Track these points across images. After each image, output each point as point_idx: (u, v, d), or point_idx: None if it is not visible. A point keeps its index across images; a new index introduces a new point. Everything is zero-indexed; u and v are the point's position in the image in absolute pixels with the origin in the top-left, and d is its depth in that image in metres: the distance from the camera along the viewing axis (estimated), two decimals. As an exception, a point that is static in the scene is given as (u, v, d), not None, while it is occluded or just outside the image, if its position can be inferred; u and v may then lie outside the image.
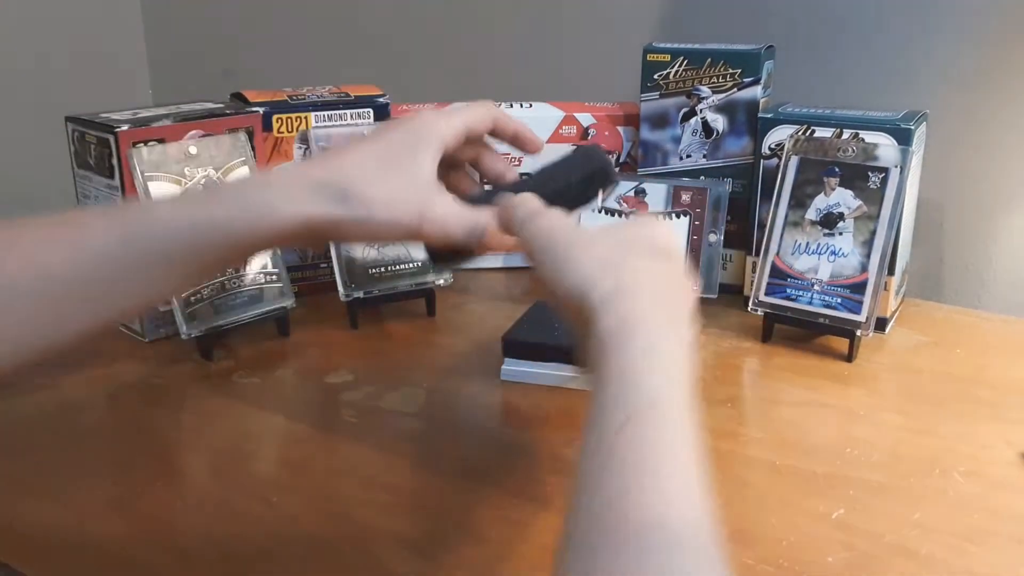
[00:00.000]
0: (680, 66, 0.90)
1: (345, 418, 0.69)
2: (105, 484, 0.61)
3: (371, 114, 0.93)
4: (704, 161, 0.92)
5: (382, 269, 0.86)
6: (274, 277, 0.83)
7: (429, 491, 0.60)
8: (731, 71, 0.88)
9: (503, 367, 0.74)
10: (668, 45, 0.91)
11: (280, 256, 0.84)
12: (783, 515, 0.56)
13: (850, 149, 0.80)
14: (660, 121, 0.92)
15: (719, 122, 0.90)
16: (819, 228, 0.80)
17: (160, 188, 0.78)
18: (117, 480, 0.61)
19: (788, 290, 0.80)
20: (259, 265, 0.83)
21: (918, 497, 0.58)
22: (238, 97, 0.92)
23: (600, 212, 0.88)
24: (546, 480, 0.60)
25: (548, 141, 0.97)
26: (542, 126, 0.96)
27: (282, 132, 0.90)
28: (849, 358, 0.78)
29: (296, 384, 0.77)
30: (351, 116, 0.92)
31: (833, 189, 0.80)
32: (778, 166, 0.82)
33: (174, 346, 0.80)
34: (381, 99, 0.94)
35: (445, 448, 0.65)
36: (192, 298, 0.78)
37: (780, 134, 0.85)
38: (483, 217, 0.53)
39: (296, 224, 0.49)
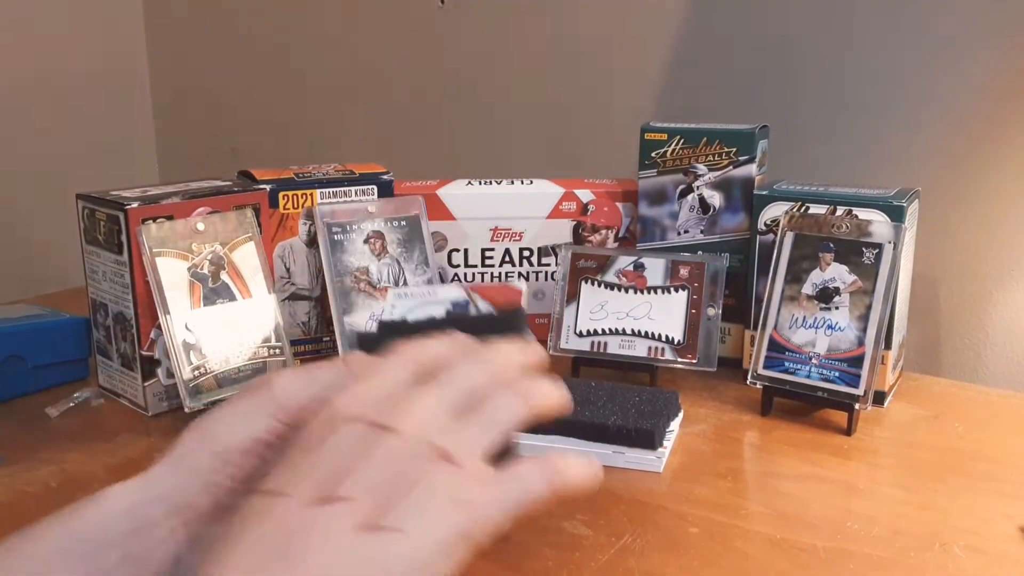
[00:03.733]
0: (677, 145, 0.92)
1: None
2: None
3: (375, 191, 0.95)
4: (701, 236, 0.93)
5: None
6: (277, 350, 0.84)
7: (429, 565, 0.60)
8: (726, 149, 0.91)
9: (504, 441, 0.75)
10: (665, 125, 0.94)
11: (283, 329, 0.85)
12: (783, 590, 0.56)
13: (844, 225, 0.81)
14: (658, 197, 0.94)
15: (715, 198, 0.92)
16: (815, 302, 0.81)
17: (168, 263, 0.80)
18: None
19: (786, 363, 0.81)
20: (262, 338, 0.84)
21: (919, 571, 0.58)
22: (245, 175, 0.94)
23: (601, 286, 0.89)
24: (545, 554, 0.60)
25: (548, 217, 0.98)
26: (542, 203, 0.98)
27: (288, 209, 0.92)
28: (848, 432, 0.78)
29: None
30: (355, 193, 0.94)
31: (828, 264, 0.81)
32: (774, 242, 0.84)
33: (177, 420, 0.81)
34: (385, 176, 0.96)
35: (445, 522, 0.65)
36: (196, 372, 0.79)
37: (775, 210, 0.86)
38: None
39: None
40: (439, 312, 0.52)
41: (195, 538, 0.43)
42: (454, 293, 0.51)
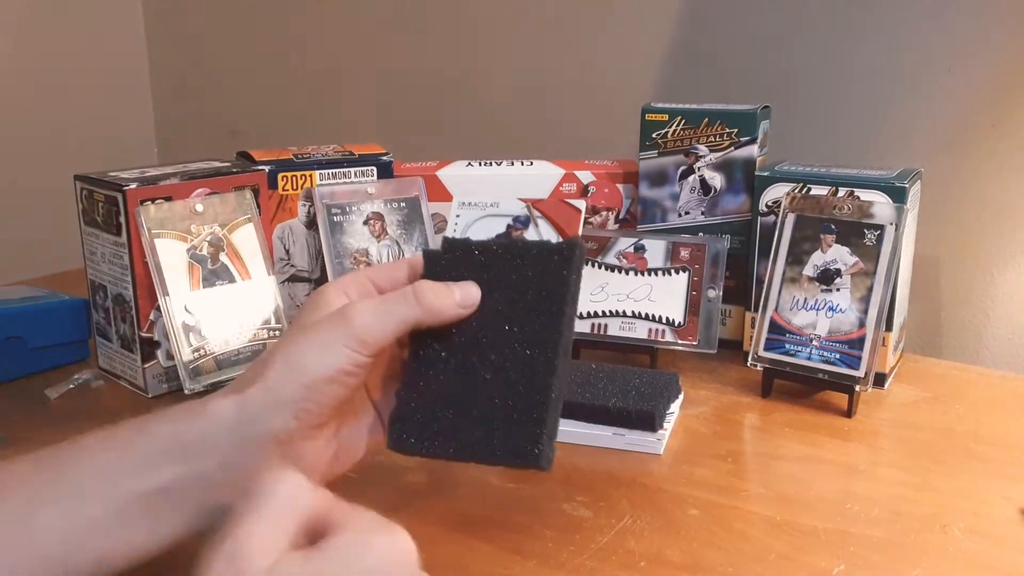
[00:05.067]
0: (678, 126, 0.92)
1: (345, 473, 0.69)
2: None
3: (375, 172, 0.95)
4: (702, 218, 0.93)
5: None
6: (277, 332, 0.84)
7: (428, 546, 0.60)
8: (728, 130, 0.90)
9: (504, 422, 0.75)
10: (666, 105, 0.93)
11: (283, 311, 0.85)
12: (783, 570, 0.56)
13: (845, 207, 0.81)
14: (659, 179, 0.94)
15: (716, 180, 0.92)
16: (816, 284, 0.81)
17: (166, 245, 0.80)
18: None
19: (787, 345, 0.81)
20: (262, 320, 0.83)
21: (918, 553, 0.58)
22: (244, 156, 0.93)
23: (600, 268, 0.89)
24: (545, 536, 0.60)
25: (549, 197, 0.98)
26: (542, 184, 0.98)
27: (287, 190, 0.92)
28: (848, 413, 0.78)
29: (298, 439, 0.77)
30: (355, 174, 0.94)
31: (830, 246, 0.81)
32: (775, 223, 0.84)
33: (177, 401, 0.80)
34: (384, 157, 0.96)
35: (445, 503, 0.65)
36: (196, 353, 0.79)
37: (777, 192, 0.86)
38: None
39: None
40: (500, 227, 0.60)
41: (286, 453, 0.50)
42: (516, 207, 0.58)
